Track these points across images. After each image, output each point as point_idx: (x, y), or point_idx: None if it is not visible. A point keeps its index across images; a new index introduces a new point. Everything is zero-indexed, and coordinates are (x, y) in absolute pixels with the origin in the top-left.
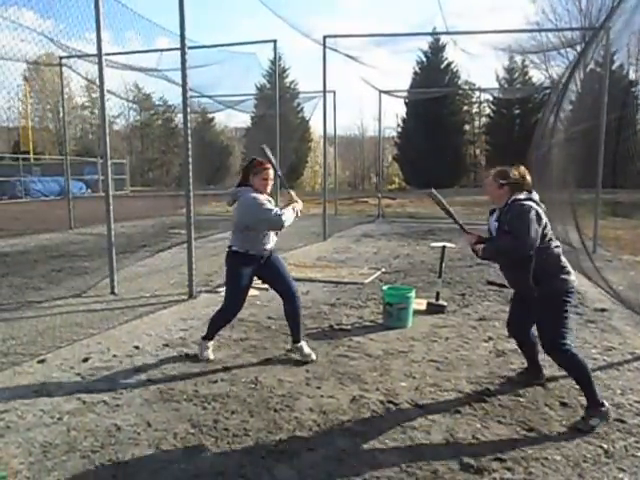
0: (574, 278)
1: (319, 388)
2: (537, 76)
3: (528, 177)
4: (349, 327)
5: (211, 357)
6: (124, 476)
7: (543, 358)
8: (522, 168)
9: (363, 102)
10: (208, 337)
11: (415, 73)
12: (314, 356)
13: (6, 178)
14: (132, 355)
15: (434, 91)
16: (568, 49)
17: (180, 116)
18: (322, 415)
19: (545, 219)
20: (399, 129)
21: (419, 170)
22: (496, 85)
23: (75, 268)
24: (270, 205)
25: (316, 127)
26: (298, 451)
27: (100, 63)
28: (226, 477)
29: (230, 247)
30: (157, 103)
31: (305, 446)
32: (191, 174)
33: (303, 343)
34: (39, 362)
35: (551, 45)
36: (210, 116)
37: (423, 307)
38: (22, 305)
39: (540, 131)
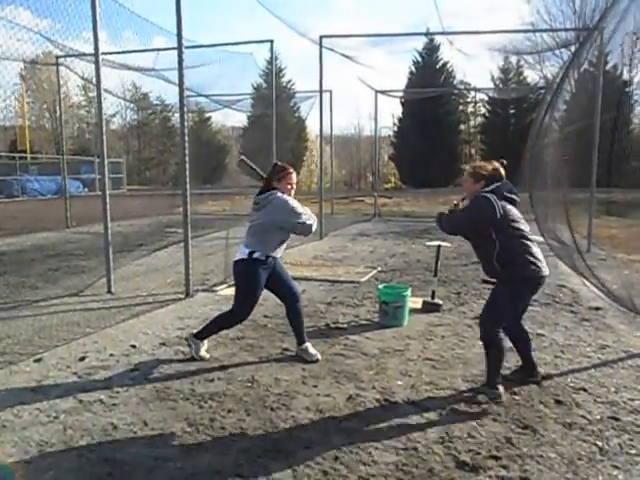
0: (541, 271)
1: (315, 387)
2: (532, 76)
3: (501, 170)
4: (345, 326)
5: (206, 356)
6: (120, 475)
7: (538, 356)
8: (495, 162)
9: (360, 102)
10: (203, 337)
11: (411, 73)
12: (319, 356)
13: (3, 177)
14: (129, 354)
15: (430, 91)
16: (562, 49)
17: (177, 115)
18: (318, 413)
19: (513, 209)
20: (395, 129)
21: (415, 169)
22: (491, 85)
23: (72, 267)
24: (303, 209)
25: (312, 126)
26: (294, 450)
27: (97, 62)
28: (222, 476)
29: (251, 253)
30: (154, 102)
31: (301, 444)
32: (188, 173)
33: (308, 344)
34: (35, 361)
35: (545, 45)
36: (207, 115)
37: (419, 306)
38: (19, 304)
39: (535, 131)
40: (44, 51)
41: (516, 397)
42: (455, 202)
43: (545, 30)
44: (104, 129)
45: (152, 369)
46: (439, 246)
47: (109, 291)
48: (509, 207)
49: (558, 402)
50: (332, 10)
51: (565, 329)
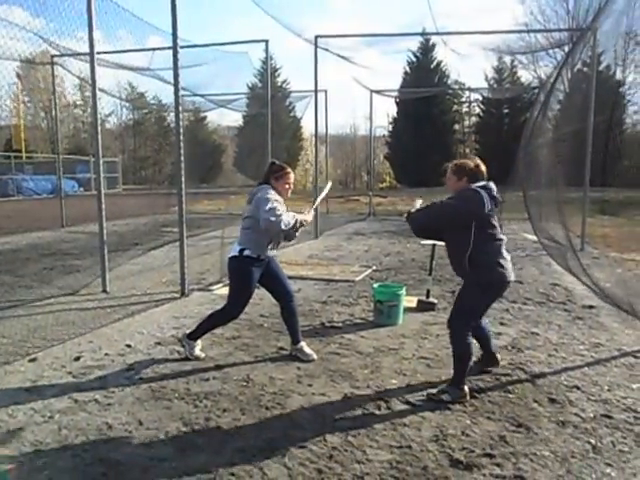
0: (507, 275)
1: (310, 386)
2: (525, 76)
3: (483, 167)
4: (340, 325)
5: (201, 355)
6: (115, 475)
7: (532, 354)
8: (477, 159)
9: (355, 101)
10: (196, 337)
11: (405, 73)
12: (315, 356)
13: None
14: (124, 353)
15: (424, 91)
16: (556, 49)
17: (173, 115)
18: (313, 412)
19: (494, 209)
20: (390, 128)
21: (410, 169)
22: (485, 85)
23: (67, 266)
24: (278, 205)
25: (308, 126)
26: (289, 448)
27: (92, 62)
28: (217, 475)
29: (241, 251)
30: (151, 102)
31: (296, 443)
32: (183, 172)
33: (303, 343)
34: (30, 361)
35: (539, 46)
36: (202, 115)
37: (414, 304)
38: (13, 303)
39: (528, 130)
40: (41, 50)
41: (510, 395)
42: (416, 206)
43: (539, 30)
44: (99, 128)
45: (147, 368)
46: (434, 245)
47: (104, 290)
48: (492, 206)
49: (552, 400)
50: (326, 10)
51: (559, 328)
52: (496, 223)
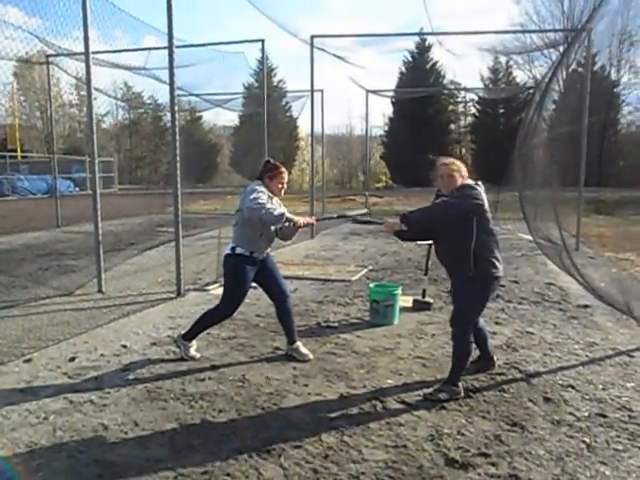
0: (499, 271)
1: (306, 386)
2: (521, 76)
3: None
4: (336, 324)
5: (197, 356)
6: (111, 476)
7: (527, 354)
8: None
9: (351, 101)
10: (190, 337)
11: (401, 73)
12: (311, 356)
13: None
14: (119, 354)
15: (420, 91)
16: (551, 50)
17: (169, 114)
18: (309, 412)
19: (486, 205)
20: (386, 128)
21: (406, 168)
22: (481, 85)
23: (62, 267)
24: (263, 196)
25: (304, 126)
26: (285, 449)
27: (87, 61)
28: (213, 476)
29: (234, 248)
30: (147, 101)
31: (292, 443)
32: (179, 172)
33: (299, 343)
34: (25, 361)
35: (534, 46)
36: (198, 114)
37: (409, 304)
38: (8, 304)
39: (523, 130)
40: (37, 50)
41: (505, 395)
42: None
43: (534, 31)
44: (95, 128)
45: (143, 369)
46: (430, 245)
47: (100, 291)
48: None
49: (546, 399)
50: (322, 10)
51: (554, 327)
52: (490, 218)
